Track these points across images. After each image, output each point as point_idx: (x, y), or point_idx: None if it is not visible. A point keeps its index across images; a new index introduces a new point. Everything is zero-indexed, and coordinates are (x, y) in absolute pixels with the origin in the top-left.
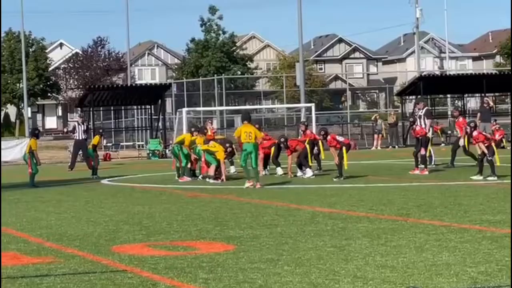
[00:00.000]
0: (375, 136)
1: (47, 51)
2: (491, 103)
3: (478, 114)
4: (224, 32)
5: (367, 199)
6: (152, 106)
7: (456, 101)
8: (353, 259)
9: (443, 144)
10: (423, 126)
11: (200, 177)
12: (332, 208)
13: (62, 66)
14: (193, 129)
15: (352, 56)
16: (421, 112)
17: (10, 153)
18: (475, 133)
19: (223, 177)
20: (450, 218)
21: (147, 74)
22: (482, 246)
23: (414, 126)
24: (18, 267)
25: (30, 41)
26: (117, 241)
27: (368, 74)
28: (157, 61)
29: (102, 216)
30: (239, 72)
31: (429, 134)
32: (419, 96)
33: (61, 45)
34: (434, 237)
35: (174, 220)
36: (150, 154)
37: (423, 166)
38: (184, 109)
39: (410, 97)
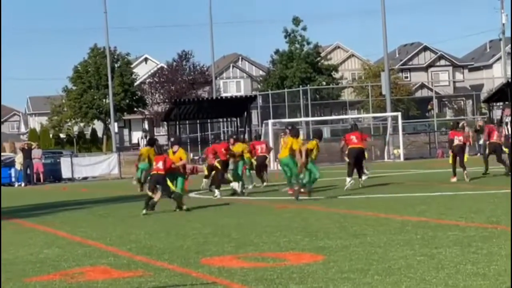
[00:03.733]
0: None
1: (132, 66)
2: None
3: None
4: (308, 43)
5: (456, 207)
6: (238, 119)
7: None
8: (444, 267)
9: None
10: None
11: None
12: (421, 217)
13: (148, 80)
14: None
15: (437, 63)
16: (508, 119)
17: (98, 169)
18: None
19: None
20: None
21: (232, 87)
22: None
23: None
24: (108, 281)
25: (116, 57)
26: (206, 254)
27: (454, 82)
28: (242, 73)
29: (190, 229)
30: (324, 83)
31: None
32: (506, 102)
33: (146, 59)
34: None
35: (263, 232)
36: None
37: None
38: (270, 121)
39: (498, 103)
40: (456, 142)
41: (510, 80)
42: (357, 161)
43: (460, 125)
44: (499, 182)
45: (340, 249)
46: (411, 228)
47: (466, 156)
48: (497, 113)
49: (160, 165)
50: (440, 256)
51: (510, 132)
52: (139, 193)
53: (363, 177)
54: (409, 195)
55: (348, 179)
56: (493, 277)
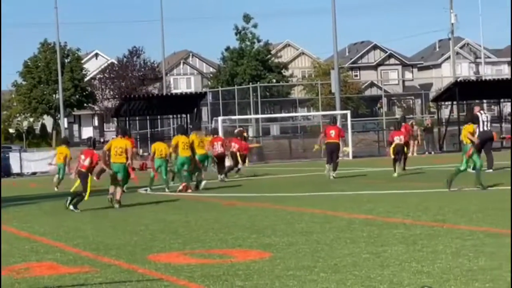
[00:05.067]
0: (411, 142)
1: (82, 61)
2: None
3: None
4: (259, 40)
5: (404, 205)
6: (188, 115)
7: (492, 106)
8: (389, 265)
9: None
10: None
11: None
12: (368, 215)
13: (98, 76)
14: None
15: (387, 62)
16: (484, 117)
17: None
18: None
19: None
20: (487, 223)
21: (182, 83)
22: None
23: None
24: (54, 277)
25: (66, 52)
26: (153, 250)
27: (403, 80)
28: (192, 70)
29: (138, 225)
30: (274, 80)
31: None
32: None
33: (96, 55)
34: (470, 242)
35: (210, 229)
36: None
37: None
38: (220, 118)
39: (446, 102)
40: (396, 141)
41: (458, 79)
42: (332, 155)
43: (410, 123)
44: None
45: (287, 246)
46: (357, 226)
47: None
48: (445, 112)
49: (87, 162)
50: (386, 254)
51: (488, 128)
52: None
53: (334, 173)
54: (357, 193)
55: (327, 166)
56: (438, 275)
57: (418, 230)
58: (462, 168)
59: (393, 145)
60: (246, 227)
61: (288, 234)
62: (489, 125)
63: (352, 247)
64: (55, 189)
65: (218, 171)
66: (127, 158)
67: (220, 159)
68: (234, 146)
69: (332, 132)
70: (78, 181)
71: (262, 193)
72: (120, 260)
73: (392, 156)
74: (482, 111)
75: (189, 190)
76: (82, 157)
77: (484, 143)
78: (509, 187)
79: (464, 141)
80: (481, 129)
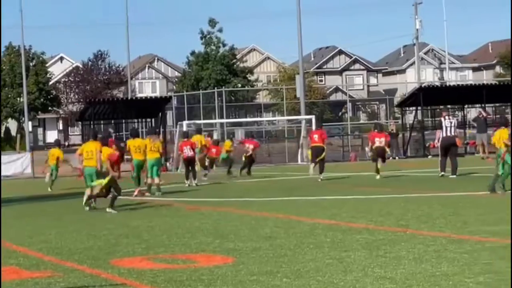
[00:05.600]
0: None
1: (47, 65)
2: (485, 114)
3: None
4: (224, 45)
5: (367, 211)
6: (153, 119)
7: (456, 111)
8: (352, 270)
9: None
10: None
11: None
12: (331, 220)
13: (63, 80)
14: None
15: (352, 67)
16: (448, 122)
17: (11, 168)
18: None
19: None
20: (449, 229)
21: (147, 87)
22: (482, 257)
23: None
24: (16, 282)
25: (31, 55)
26: (116, 255)
27: (368, 86)
28: (158, 74)
29: (102, 229)
30: (239, 85)
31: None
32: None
33: (61, 59)
34: (433, 248)
35: (174, 233)
36: None
37: None
38: (185, 122)
39: (411, 108)
40: (377, 143)
41: (422, 84)
42: (317, 157)
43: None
44: (411, 185)
45: (250, 252)
46: (321, 231)
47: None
48: (409, 118)
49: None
50: (349, 259)
51: (452, 134)
52: (53, 193)
53: (321, 175)
54: (321, 198)
55: (311, 166)
56: (400, 281)
57: (381, 235)
58: (499, 172)
59: (374, 147)
60: (210, 232)
61: (252, 239)
62: (453, 130)
63: (315, 252)
64: (49, 189)
65: (186, 176)
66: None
67: (190, 163)
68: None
69: (315, 136)
70: (100, 180)
71: (227, 198)
72: (83, 265)
73: (374, 157)
74: (447, 117)
75: (147, 194)
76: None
77: (447, 149)
78: (469, 193)
79: (497, 145)
80: (444, 135)
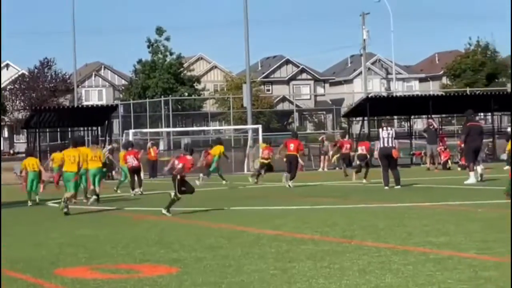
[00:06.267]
0: (322, 157)
1: None
2: (436, 125)
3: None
4: (171, 53)
5: (312, 221)
6: (99, 128)
7: (403, 122)
8: (296, 282)
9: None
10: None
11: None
12: (277, 230)
13: (8, 87)
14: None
15: (299, 77)
16: (385, 133)
17: None
18: None
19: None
20: (394, 240)
21: (94, 96)
22: (425, 268)
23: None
24: None
25: None
26: (60, 264)
27: (315, 95)
28: (104, 82)
29: (46, 238)
30: (186, 94)
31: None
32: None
33: (7, 66)
34: (377, 259)
35: (119, 243)
36: None
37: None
38: (131, 131)
39: (357, 118)
40: (343, 150)
41: (369, 95)
42: (291, 165)
43: (320, 139)
44: (357, 196)
45: (195, 262)
46: (266, 241)
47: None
48: (356, 128)
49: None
50: (293, 270)
51: (389, 144)
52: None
53: (291, 182)
54: (267, 208)
55: (285, 174)
56: None
57: (326, 246)
58: None
59: (357, 154)
60: (155, 241)
61: (196, 249)
62: (390, 141)
63: (260, 263)
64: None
65: (132, 185)
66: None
67: (134, 172)
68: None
69: (292, 145)
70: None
71: (172, 207)
72: (26, 274)
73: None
74: (384, 128)
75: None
76: (176, 161)
77: (384, 159)
78: (414, 204)
79: None
80: (381, 145)
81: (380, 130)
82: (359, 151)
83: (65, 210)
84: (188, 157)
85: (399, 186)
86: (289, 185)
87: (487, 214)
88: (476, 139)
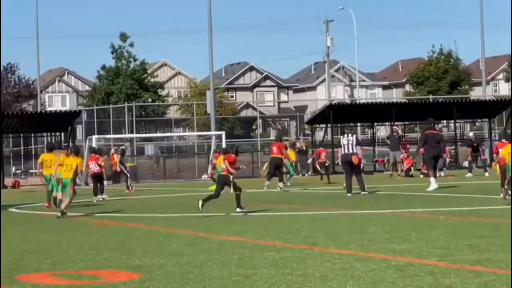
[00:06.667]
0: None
1: None
2: (400, 132)
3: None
4: (135, 59)
5: (275, 228)
6: (62, 133)
7: (366, 129)
8: None
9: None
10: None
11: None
12: (239, 237)
13: None
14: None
15: (263, 84)
16: (345, 140)
17: None
18: None
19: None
20: (356, 247)
21: (57, 101)
22: (387, 275)
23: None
24: None
25: None
26: (22, 270)
27: (279, 102)
28: (68, 88)
29: (7, 244)
30: (150, 100)
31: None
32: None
33: None
34: (339, 266)
35: (81, 249)
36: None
37: None
38: (94, 137)
39: (321, 125)
40: (322, 158)
41: (332, 102)
42: (276, 168)
43: (284, 145)
44: (320, 202)
45: (157, 268)
46: (228, 248)
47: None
48: (319, 135)
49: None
50: (256, 277)
51: (350, 151)
52: None
53: (281, 184)
54: (229, 215)
55: (267, 182)
56: None
57: (288, 253)
58: None
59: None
60: (117, 247)
61: (159, 256)
62: (350, 148)
63: (222, 270)
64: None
65: (94, 191)
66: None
67: (97, 178)
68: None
69: (274, 149)
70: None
71: (135, 214)
72: None
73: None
74: (345, 134)
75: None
76: (223, 165)
77: (346, 166)
78: (376, 211)
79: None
80: (342, 152)
81: (341, 137)
82: (321, 158)
83: (59, 214)
84: (233, 156)
85: (365, 192)
86: (279, 187)
87: (449, 221)
88: (435, 146)
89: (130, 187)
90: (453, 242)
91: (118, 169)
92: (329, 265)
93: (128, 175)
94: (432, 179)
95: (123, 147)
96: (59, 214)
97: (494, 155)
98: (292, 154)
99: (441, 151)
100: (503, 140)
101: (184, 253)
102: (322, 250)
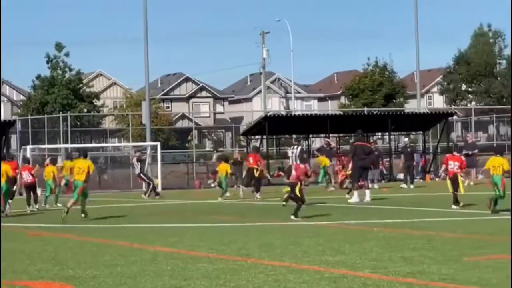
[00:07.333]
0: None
1: None
2: (332, 144)
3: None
4: (70, 69)
5: (209, 239)
6: None
7: (302, 141)
8: None
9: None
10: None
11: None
12: (173, 248)
13: None
14: None
15: (199, 95)
16: (290, 153)
17: None
18: None
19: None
20: (289, 258)
21: None
22: (320, 287)
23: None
24: None
25: None
26: None
27: (214, 113)
28: (2, 97)
29: None
30: (85, 110)
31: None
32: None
33: None
34: (273, 277)
35: (14, 259)
36: None
37: None
38: (29, 147)
39: (256, 136)
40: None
41: (268, 113)
42: (253, 177)
43: (214, 158)
44: (255, 214)
45: (90, 279)
46: (162, 259)
47: None
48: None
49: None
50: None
51: (294, 163)
52: None
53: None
54: (164, 226)
55: (241, 187)
56: None
57: (222, 264)
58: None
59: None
60: (50, 258)
61: (92, 267)
62: (294, 160)
63: (155, 281)
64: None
65: (27, 201)
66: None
67: (30, 188)
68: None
69: (250, 159)
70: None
71: (69, 224)
72: None
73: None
74: (292, 146)
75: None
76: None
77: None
78: (311, 222)
79: (492, 171)
80: (290, 163)
81: (288, 149)
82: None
83: (63, 215)
84: (301, 165)
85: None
86: (256, 197)
87: (382, 234)
88: (363, 158)
89: (151, 194)
90: (386, 254)
91: (138, 179)
92: (263, 277)
93: (151, 183)
94: (355, 192)
95: (141, 155)
96: (63, 214)
97: (443, 166)
98: (226, 167)
99: (370, 162)
100: (454, 153)
101: (118, 264)
102: (255, 262)
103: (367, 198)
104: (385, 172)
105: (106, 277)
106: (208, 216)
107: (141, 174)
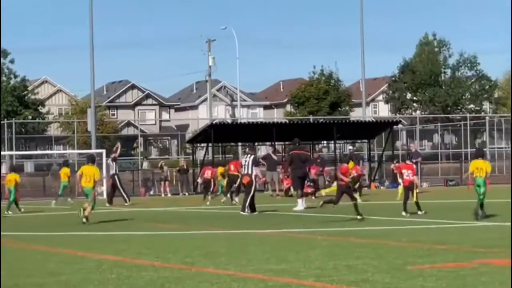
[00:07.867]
0: (162, 183)
1: None
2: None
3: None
4: (15, 76)
5: (154, 247)
6: None
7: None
8: None
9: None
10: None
11: None
12: (118, 256)
13: None
14: None
15: (144, 102)
16: (245, 160)
17: None
18: None
19: None
20: (234, 267)
21: None
22: None
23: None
24: None
25: None
26: None
27: (160, 121)
28: None
29: None
30: (30, 117)
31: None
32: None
33: None
34: (217, 286)
35: None
36: None
37: None
38: None
39: (202, 144)
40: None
41: (213, 121)
42: (233, 183)
43: (159, 165)
44: (200, 222)
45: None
46: (107, 267)
47: None
48: (200, 154)
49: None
50: None
51: (247, 171)
52: None
53: (236, 198)
54: (109, 233)
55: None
56: None
57: (166, 272)
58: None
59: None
60: None
61: (36, 275)
62: (247, 169)
63: None
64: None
65: None
66: (94, 183)
67: None
68: None
69: (232, 166)
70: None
71: (13, 232)
72: None
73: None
74: (246, 155)
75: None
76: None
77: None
78: (257, 230)
79: (476, 173)
80: (243, 172)
81: (242, 157)
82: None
83: (83, 220)
84: (344, 165)
85: (244, 212)
86: (235, 201)
87: (327, 242)
88: (301, 166)
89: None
90: (330, 262)
91: (111, 180)
92: (207, 285)
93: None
94: (299, 200)
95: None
96: (84, 220)
97: (398, 175)
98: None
99: (306, 170)
100: (407, 162)
101: (62, 272)
102: (200, 270)
103: (300, 206)
104: (328, 180)
105: (51, 285)
106: (155, 224)
107: (115, 176)
